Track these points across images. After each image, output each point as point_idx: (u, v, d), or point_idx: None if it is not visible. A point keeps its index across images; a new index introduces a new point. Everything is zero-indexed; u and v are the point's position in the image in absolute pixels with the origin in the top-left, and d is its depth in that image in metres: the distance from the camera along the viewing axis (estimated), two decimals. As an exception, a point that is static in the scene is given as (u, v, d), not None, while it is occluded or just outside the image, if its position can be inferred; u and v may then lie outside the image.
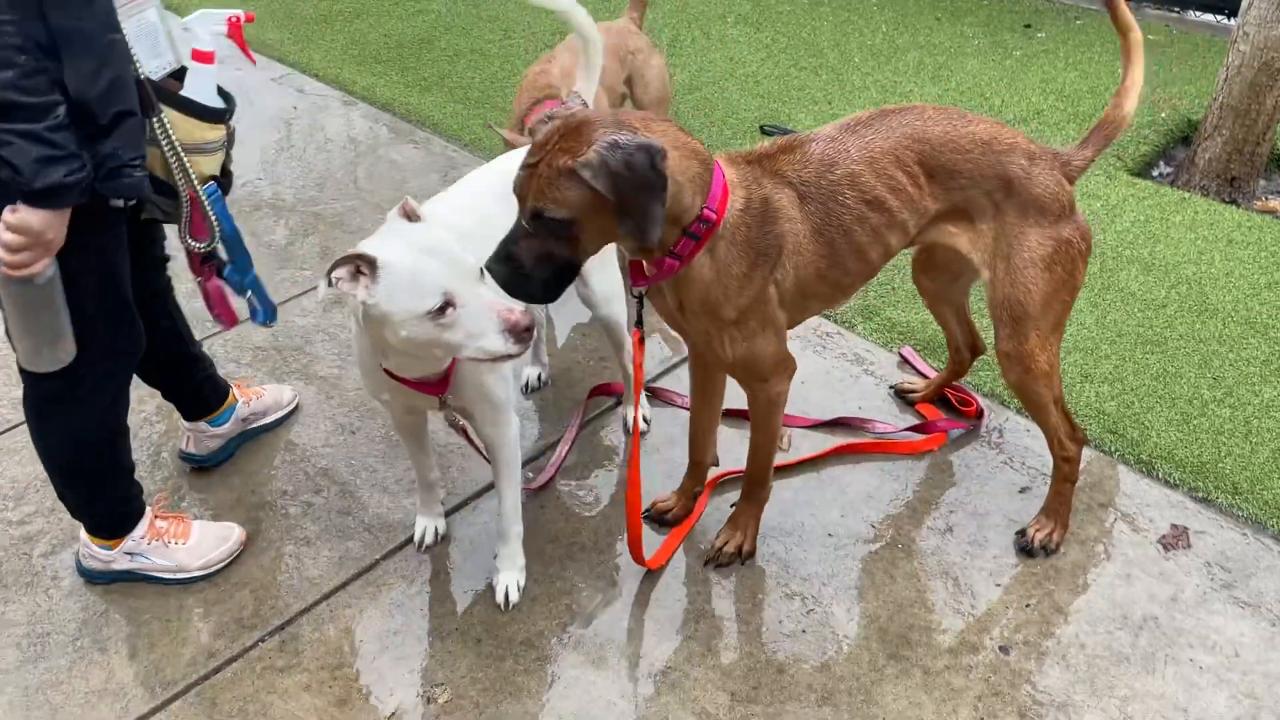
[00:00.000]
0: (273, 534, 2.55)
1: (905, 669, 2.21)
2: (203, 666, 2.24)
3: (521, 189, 1.84)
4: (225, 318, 2.35)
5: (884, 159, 2.11)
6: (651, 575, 2.43)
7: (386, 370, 2.06)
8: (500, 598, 2.35)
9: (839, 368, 3.07)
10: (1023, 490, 2.64)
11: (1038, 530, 2.46)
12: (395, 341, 1.89)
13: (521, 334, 1.85)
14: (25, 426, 2.87)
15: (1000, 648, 2.25)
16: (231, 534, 2.49)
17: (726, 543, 2.44)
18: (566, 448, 2.76)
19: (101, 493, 2.33)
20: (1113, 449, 2.75)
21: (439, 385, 2.10)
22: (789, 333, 2.23)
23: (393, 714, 2.14)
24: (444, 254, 1.84)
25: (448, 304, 1.81)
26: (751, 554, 2.46)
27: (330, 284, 1.82)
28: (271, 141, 4.42)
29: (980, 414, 2.85)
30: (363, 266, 1.82)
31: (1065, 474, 2.44)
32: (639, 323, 2.19)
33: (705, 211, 1.93)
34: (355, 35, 5.35)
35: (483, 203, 2.27)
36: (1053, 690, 2.17)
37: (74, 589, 2.42)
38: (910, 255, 2.58)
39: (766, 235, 2.03)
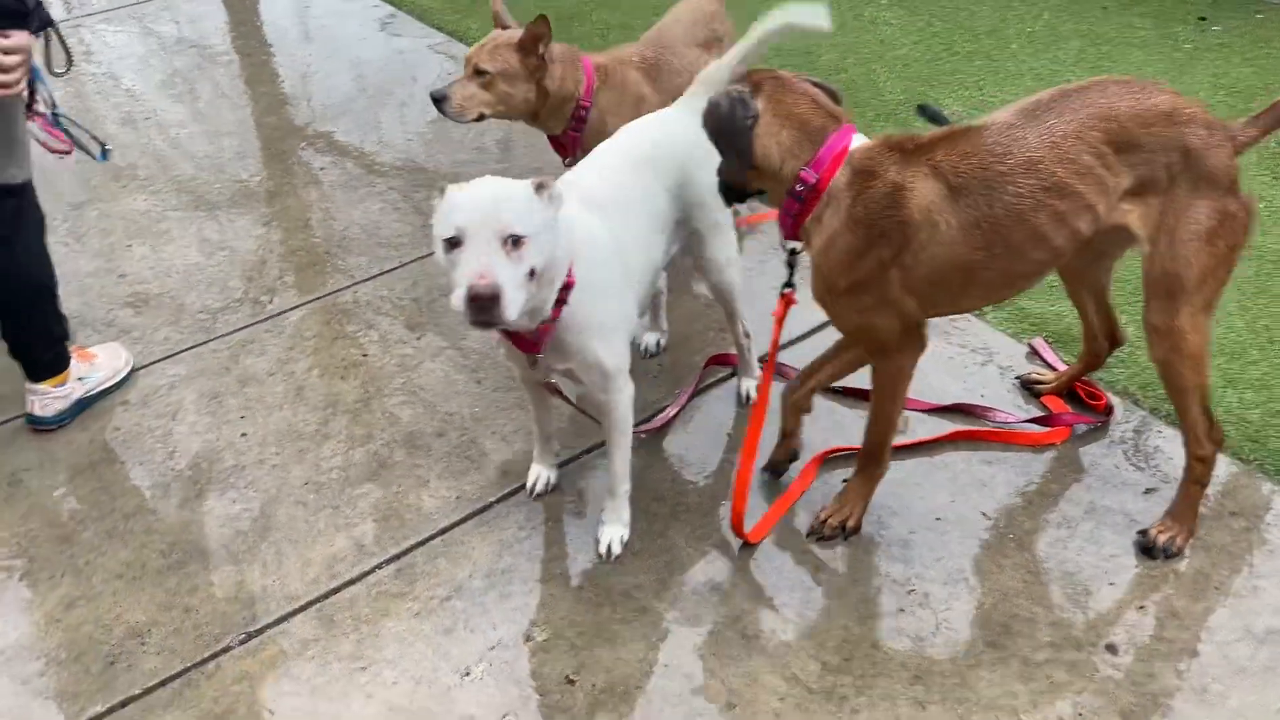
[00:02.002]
0: (398, 470, 2.69)
1: (1003, 658, 2.17)
2: (324, 585, 2.39)
3: None
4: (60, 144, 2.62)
5: (1068, 142, 2.06)
6: (752, 543, 2.45)
7: None
8: (603, 549, 2.42)
9: (962, 355, 3.01)
10: (1148, 491, 2.54)
11: (1161, 531, 2.37)
12: None
13: (472, 301, 1.87)
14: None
15: (1107, 646, 2.19)
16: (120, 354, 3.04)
17: (831, 515, 2.44)
18: (676, 410, 2.81)
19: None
20: (1251, 457, 2.61)
21: (532, 344, 2.18)
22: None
23: (493, 647, 2.23)
24: (483, 207, 1.93)
25: (458, 241, 1.92)
26: (856, 530, 2.45)
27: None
28: (430, 109, 4.59)
29: (1109, 410, 2.75)
30: (435, 196, 2.04)
31: (1197, 475, 2.34)
32: (788, 284, 2.29)
33: (803, 173, 1.98)
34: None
35: (618, 173, 2.40)
36: (1158, 695, 2.09)
37: (215, 506, 2.61)
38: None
39: (888, 218, 2.03)
